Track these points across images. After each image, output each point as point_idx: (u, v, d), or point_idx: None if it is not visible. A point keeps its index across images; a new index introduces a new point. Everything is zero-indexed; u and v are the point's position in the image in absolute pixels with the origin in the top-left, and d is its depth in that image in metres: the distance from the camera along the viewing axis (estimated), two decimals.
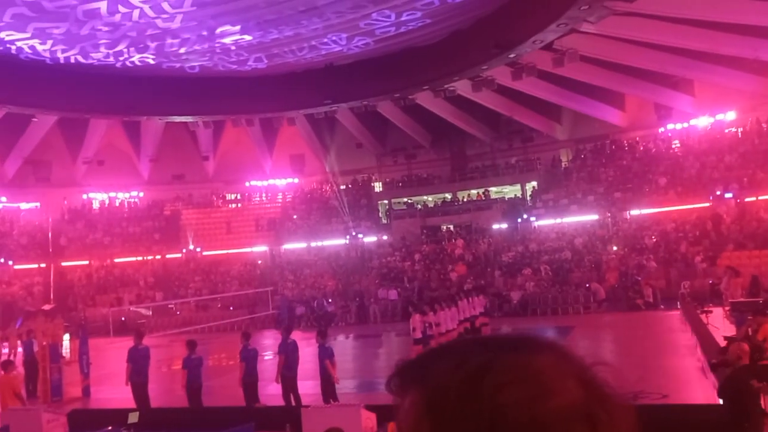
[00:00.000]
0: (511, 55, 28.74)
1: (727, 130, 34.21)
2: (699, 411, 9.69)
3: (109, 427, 8.56)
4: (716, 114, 34.05)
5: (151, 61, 31.32)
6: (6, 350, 22.92)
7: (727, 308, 20.03)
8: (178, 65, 32.19)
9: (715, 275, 25.06)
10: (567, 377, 0.75)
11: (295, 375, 12.51)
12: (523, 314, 26.87)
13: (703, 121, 34.76)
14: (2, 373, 12.60)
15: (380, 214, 42.14)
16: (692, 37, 27.41)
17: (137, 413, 9.81)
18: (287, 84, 33.54)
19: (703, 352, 13.60)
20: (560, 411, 0.73)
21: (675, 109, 35.28)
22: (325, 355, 12.27)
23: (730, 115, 33.86)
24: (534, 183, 38.99)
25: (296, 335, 13.84)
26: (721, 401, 9.09)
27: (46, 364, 15.97)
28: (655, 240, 30.05)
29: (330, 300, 31.32)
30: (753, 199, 29.41)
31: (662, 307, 25.17)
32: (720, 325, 17.47)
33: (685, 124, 35.37)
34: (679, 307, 22.82)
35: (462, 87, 32.74)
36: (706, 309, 19.20)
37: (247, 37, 28.68)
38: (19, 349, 20.66)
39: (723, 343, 13.91)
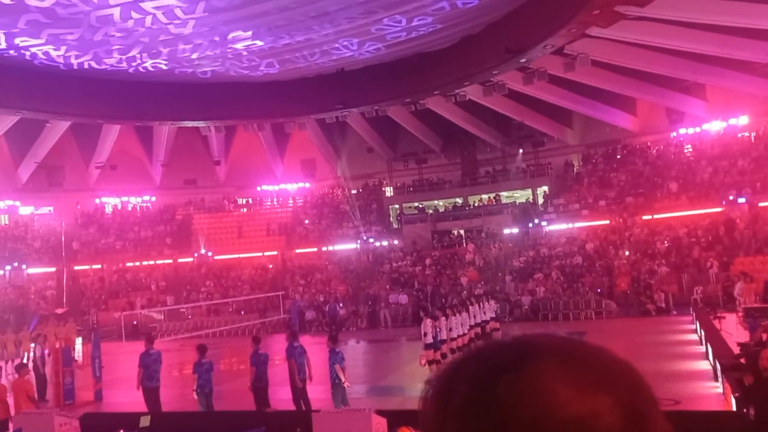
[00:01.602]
0: (522, 60, 28.71)
1: (739, 135, 33.96)
2: (711, 418, 9.61)
3: (121, 431, 8.61)
4: (728, 118, 33.81)
5: (164, 67, 31.57)
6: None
7: (740, 314, 19.87)
8: (190, 71, 32.43)
9: (728, 281, 24.86)
10: (578, 388, 0.69)
11: (304, 379, 12.53)
12: (534, 319, 26.76)
13: (715, 126, 34.52)
14: (16, 376, 12.73)
15: (391, 219, 42.15)
16: (704, 41, 27.26)
17: (149, 417, 9.86)
18: (299, 89, 33.69)
19: (715, 358, 13.50)
20: (565, 425, 0.67)
21: (687, 114, 35.08)
22: (336, 360, 12.29)
23: (743, 120, 33.62)
24: (545, 188, 38.86)
25: (307, 340, 13.87)
26: (738, 407, 9.01)
27: (59, 367, 16.07)
28: (667, 245, 29.85)
29: (341, 304, 31.35)
30: (767, 204, 29.15)
31: (674, 312, 24.99)
32: (733, 331, 17.33)
33: (698, 129, 35.15)
34: (691, 312, 22.64)
35: (473, 92, 32.73)
36: (719, 315, 19.06)
37: (259, 43, 28.85)
38: (32, 353, 20.85)
39: (736, 349, 13.82)
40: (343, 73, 32.98)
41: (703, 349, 16.37)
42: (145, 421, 9.43)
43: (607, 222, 33.12)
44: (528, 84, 30.62)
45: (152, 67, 31.45)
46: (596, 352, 0.74)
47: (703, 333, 17.51)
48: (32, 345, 20.31)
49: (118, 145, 41.42)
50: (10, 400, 11.99)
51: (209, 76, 33.32)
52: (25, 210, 42.19)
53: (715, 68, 29.57)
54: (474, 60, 29.70)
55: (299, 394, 12.35)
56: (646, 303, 25.60)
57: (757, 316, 16.47)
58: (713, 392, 12.25)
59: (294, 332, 14.03)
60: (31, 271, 38.36)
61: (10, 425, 11.17)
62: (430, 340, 15.21)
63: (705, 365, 14.61)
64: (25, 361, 19.34)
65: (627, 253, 30.33)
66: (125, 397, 15.57)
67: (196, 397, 12.47)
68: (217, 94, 33.57)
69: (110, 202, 44.89)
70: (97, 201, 44.47)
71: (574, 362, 0.72)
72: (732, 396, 10.14)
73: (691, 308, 23.32)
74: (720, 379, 12.34)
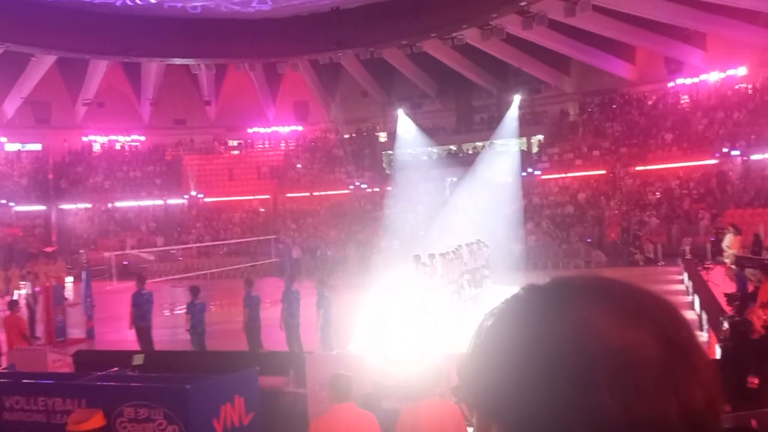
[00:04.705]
0: (522, 3, 28.03)
1: (737, 86, 33.63)
2: None
3: (115, 368, 8.64)
4: (727, 69, 33.41)
5: (152, 1, 30.57)
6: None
7: (727, 266, 20.05)
8: (179, 5, 31.46)
9: (717, 232, 25.04)
10: (620, 321, 0.70)
11: (298, 323, 12.62)
12: (524, 268, 26.98)
13: (713, 77, 34.14)
14: (8, 312, 12.72)
15: (384, 165, 41.89)
16: None
17: (142, 355, 9.89)
18: (292, 28, 32.83)
19: (702, 308, 13.69)
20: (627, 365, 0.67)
21: (685, 63, 34.62)
22: (323, 305, 12.34)
23: (741, 71, 33.25)
24: (540, 136, 38.59)
25: (297, 284, 13.89)
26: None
27: (50, 305, 16.09)
28: (658, 196, 29.95)
29: (331, 249, 31.43)
30: (760, 156, 29.14)
31: (662, 263, 25.26)
32: (720, 282, 17.52)
33: (695, 79, 34.76)
34: (679, 263, 22.88)
35: (471, 35, 32.04)
36: (706, 266, 19.24)
37: None
38: (22, 291, 20.85)
39: (723, 300, 13.99)
40: (338, 12, 32.08)
41: (690, 299, 16.60)
42: (138, 360, 9.46)
43: (601, 172, 33.08)
44: (527, 29, 29.99)
45: (140, 0, 30.45)
46: (636, 289, 0.75)
47: (690, 283, 17.73)
48: (23, 282, 20.28)
49: (105, 81, 40.49)
50: (2, 337, 12.02)
51: (199, 11, 32.36)
52: (12, 146, 41.50)
53: (717, 17, 29.04)
54: (473, 2, 28.95)
55: (293, 335, 12.46)
56: (635, 253, 25.85)
57: (746, 265, 16.62)
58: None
59: (291, 276, 14.09)
60: (19, 208, 38.03)
61: (3, 360, 11.22)
62: (422, 285, 15.29)
63: (692, 315, 14.82)
64: (15, 298, 19.34)
65: (618, 203, 30.40)
66: (117, 335, 15.68)
67: (189, 336, 12.56)
68: (208, 31, 32.69)
69: (98, 141, 44.21)
70: (85, 139, 43.77)
71: (615, 297, 0.73)
72: (716, 345, 10.30)
73: (679, 259, 23.55)
74: (705, 329, 12.53)
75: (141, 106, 43.46)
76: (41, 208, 38.37)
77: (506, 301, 0.78)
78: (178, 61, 36.76)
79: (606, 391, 0.66)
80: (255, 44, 33.65)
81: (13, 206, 37.66)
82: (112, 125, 43.03)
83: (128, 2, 30.52)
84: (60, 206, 38.62)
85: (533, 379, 0.69)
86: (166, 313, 19.57)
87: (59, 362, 9.99)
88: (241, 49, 34.20)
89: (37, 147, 42.11)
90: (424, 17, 30.61)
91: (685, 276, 19.47)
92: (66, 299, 17.82)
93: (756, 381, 7.89)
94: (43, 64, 36.59)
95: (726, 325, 9.28)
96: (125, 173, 42.03)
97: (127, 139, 44.78)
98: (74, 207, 39.24)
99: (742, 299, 13.28)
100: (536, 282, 0.78)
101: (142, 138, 44.72)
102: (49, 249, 33.49)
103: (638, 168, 32.22)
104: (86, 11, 30.66)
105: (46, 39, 31.28)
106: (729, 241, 22.59)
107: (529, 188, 34.30)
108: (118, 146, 44.71)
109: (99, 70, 38.98)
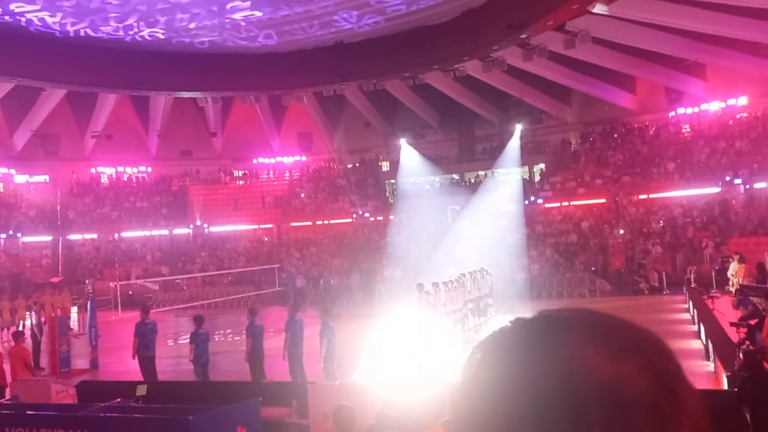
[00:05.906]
0: (523, 36, 28.45)
1: (738, 116, 33.87)
2: (703, 397, 9.70)
3: (118, 399, 8.68)
4: (728, 99, 33.68)
5: (161, 36, 31.19)
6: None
7: (732, 294, 19.98)
8: (187, 40, 32.07)
9: (722, 261, 24.99)
10: (607, 355, 0.70)
11: (302, 352, 12.62)
12: (527, 296, 26.89)
13: (714, 106, 34.41)
14: (13, 343, 12.79)
15: (387, 194, 42.11)
16: (706, 20, 27.04)
17: (145, 386, 9.93)
18: (297, 61, 33.36)
19: (708, 338, 13.63)
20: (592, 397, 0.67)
21: (686, 94, 34.93)
22: (326, 334, 12.35)
23: (742, 101, 33.52)
24: (542, 165, 38.79)
25: (301, 313, 13.92)
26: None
27: (55, 336, 16.14)
28: (662, 225, 29.96)
29: (335, 278, 31.43)
30: (763, 185, 29.21)
31: (667, 291, 25.16)
32: (725, 311, 17.46)
33: (696, 109, 35.03)
34: (684, 292, 22.79)
35: (472, 67, 32.48)
36: (711, 294, 19.17)
37: (258, 13, 28.50)
38: (27, 321, 20.91)
39: (729, 329, 13.94)
40: (342, 47, 32.63)
41: (695, 328, 16.53)
42: (141, 390, 9.50)
43: (603, 200, 33.18)
44: (528, 60, 30.38)
45: (149, 36, 31.08)
46: (622, 322, 0.75)
47: (695, 312, 17.67)
48: (28, 313, 20.36)
49: (113, 114, 41.10)
50: (7, 368, 12.06)
51: (207, 46, 32.95)
52: (20, 178, 41.96)
53: (717, 48, 29.38)
54: (474, 35, 29.39)
55: (297, 365, 12.46)
56: (640, 282, 25.76)
57: (751, 294, 16.57)
58: (705, 371, 12.38)
59: (295, 305, 14.12)
60: (26, 239, 38.30)
61: (7, 392, 11.24)
62: (425, 315, 15.30)
63: (697, 344, 14.76)
64: (21, 328, 19.41)
65: (621, 231, 30.44)
66: (121, 365, 15.69)
67: (192, 366, 12.58)
68: (215, 65, 33.22)
69: (106, 172, 44.71)
70: (93, 171, 44.26)
71: (602, 331, 0.73)
72: (723, 375, 10.26)
73: (684, 288, 23.45)
74: (712, 358, 12.48)
75: (148, 138, 44.00)
76: (48, 238, 38.63)
77: (494, 335, 0.77)
78: (185, 94, 37.31)
79: (596, 427, 0.66)
80: (261, 77, 34.16)
81: (20, 237, 37.95)
82: (120, 157, 43.55)
83: (137, 37, 31.13)
84: (67, 237, 38.89)
85: (523, 414, 0.68)
86: (170, 342, 19.59)
87: (62, 393, 10.04)
88: (247, 82, 34.72)
89: (45, 179, 42.57)
90: (426, 50, 31.07)
91: (691, 305, 19.40)
92: (71, 329, 17.87)
93: None
94: (53, 97, 37.20)
95: (741, 356, 9.19)
96: (132, 204, 42.39)
97: (135, 170, 45.27)
98: (81, 237, 39.51)
99: (749, 328, 13.24)
100: (523, 315, 0.79)
101: (149, 169, 45.20)
102: (55, 279, 33.61)
103: (641, 196, 32.29)
104: (96, 46, 31.26)
105: (57, 73, 31.84)
106: (734, 270, 22.56)
107: (531, 216, 34.37)
108: (125, 177, 45.18)
109: (108, 103, 39.59)
